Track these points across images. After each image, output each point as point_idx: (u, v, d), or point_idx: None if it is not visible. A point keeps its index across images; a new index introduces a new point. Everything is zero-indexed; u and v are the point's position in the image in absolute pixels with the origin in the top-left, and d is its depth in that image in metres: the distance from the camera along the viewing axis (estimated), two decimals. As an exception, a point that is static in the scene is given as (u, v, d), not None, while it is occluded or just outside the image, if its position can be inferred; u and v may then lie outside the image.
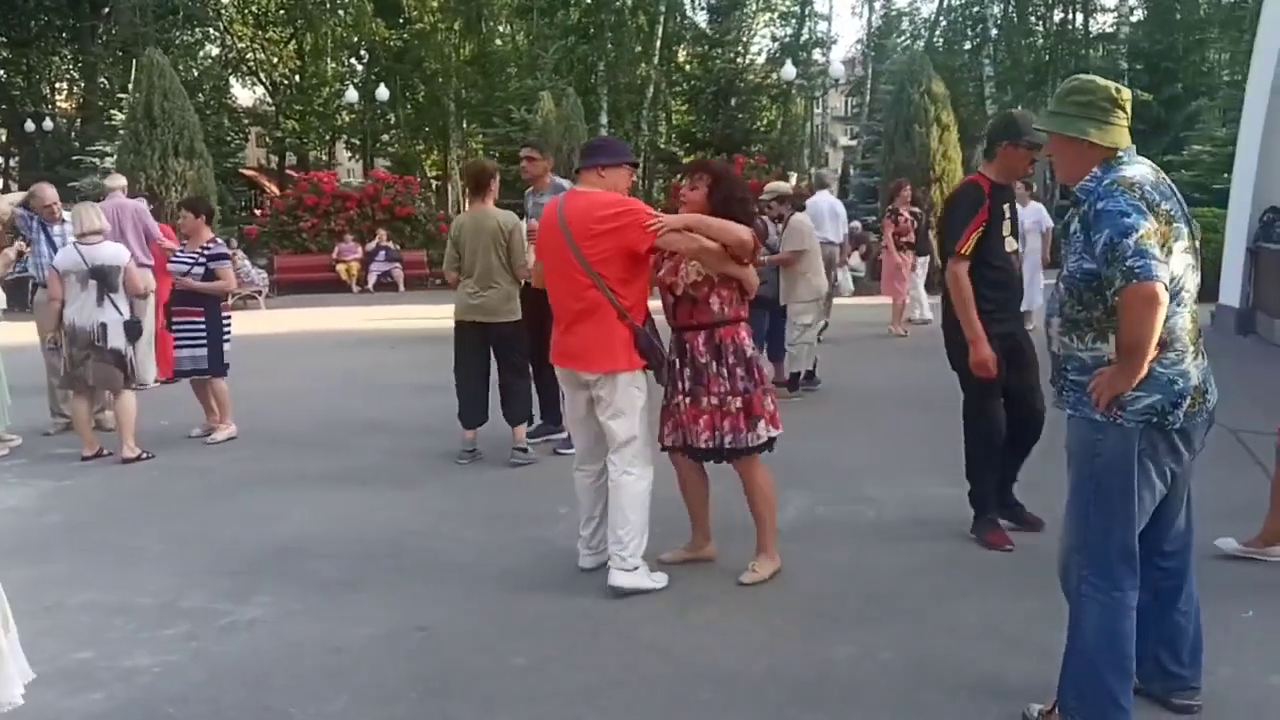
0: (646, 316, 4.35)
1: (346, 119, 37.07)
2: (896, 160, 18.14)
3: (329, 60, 37.52)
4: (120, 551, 5.04)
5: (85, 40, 33.57)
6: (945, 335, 4.86)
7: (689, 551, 4.65)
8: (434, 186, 36.46)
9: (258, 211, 28.05)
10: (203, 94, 32.43)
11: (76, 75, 37.42)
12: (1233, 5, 28.28)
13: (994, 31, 32.63)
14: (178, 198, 15.92)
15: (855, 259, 18.08)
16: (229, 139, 34.93)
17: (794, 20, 34.87)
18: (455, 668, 3.67)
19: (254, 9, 38.69)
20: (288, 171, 37.95)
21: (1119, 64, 27.73)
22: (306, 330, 14.73)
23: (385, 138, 38.77)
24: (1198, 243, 2.98)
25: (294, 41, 38.99)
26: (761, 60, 33.98)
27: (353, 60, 39.02)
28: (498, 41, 34.98)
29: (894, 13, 36.89)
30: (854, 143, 37.02)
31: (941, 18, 35.19)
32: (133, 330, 6.92)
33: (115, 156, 19.46)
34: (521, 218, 6.75)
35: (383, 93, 30.34)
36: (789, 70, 28.17)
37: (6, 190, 21.51)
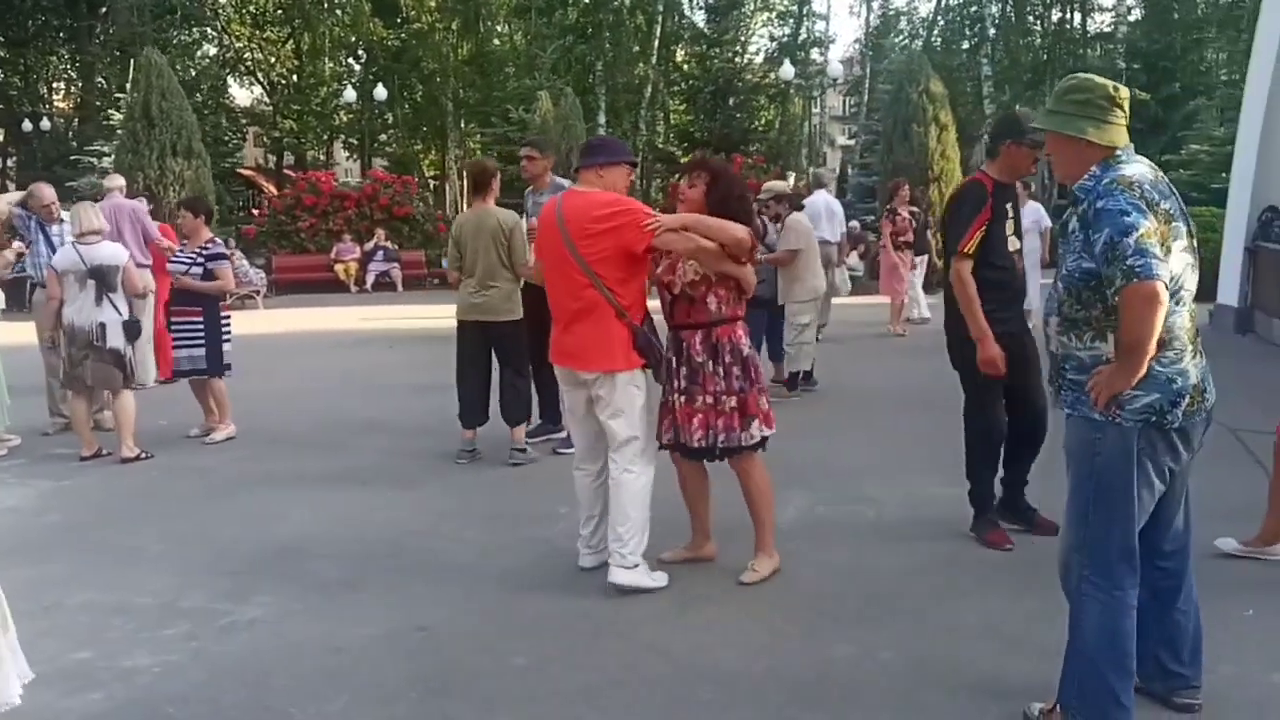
0: (645, 315, 4.35)
1: (344, 119, 37.08)
2: (895, 160, 18.14)
3: (327, 60, 37.54)
4: (119, 551, 5.04)
5: (83, 40, 33.54)
6: (948, 334, 4.85)
7: (689, 551, 4.65)
8: (432, 186, 36.42)
9: (255, 211, 28.03)
10: (200, 94, 32.44)
11: (74, 75, 37.43)
12: (1230, 5, 28.32)
13: (992, 31, 32.65)
14: (176, 198, 15.94)
15: (854, 258, 18.09)
16: (226, 139, 34.94)
17: (792, 20, 34.92)
18: (455, 668, 3.67)
19: (251, 9, 38.67)
20: (285, 171, 37.95)
21: (1117, 63, 27.75)
22: (304, 330, 14.72)
23: (383, 137, 38.74)
24: (1195, 242, 2.98)
25: (291, 41, 38.97)
26: (759, 60, 33.99)
27: (350, 60, 39.02)
28: (495, 41, 34.95)
29: (892, 12, 36.98)
30: (852, 142, 37.05)
31: (939, 17, 35.22)
32: (131, 330, 6.91)
33: (113, 156, 19.45)
34: (521, 216, 6.75)
35: (380, 92, 30.32)
36: (787, 70, 28.19)
37: (4, 190, 21.48)
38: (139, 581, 4.57)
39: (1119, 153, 2.92)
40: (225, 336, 7.40)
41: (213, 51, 39.49)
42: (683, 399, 4.32)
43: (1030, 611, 3.92)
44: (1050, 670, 3.14)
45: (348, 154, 42.80)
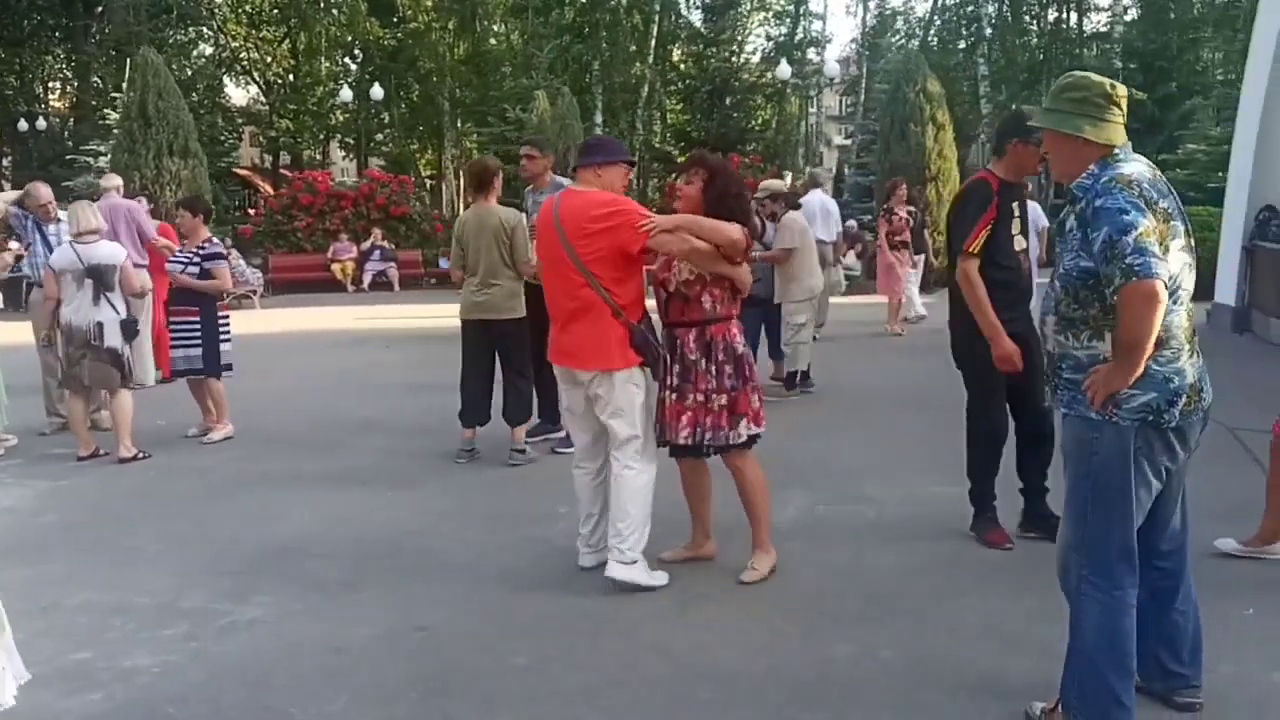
0: (643, 314, 4.35)
1: (340, 118, 37.03)
2: (892, 159, 18.14)
3: (323, 59, 37.48)
4: (118, 552, 5.03)
5: (78, 39, 33.45)
6: (951, 333, 4.84)
7: (689, 550, 4.65)
8: (428, 186, 36.41)
9: (252, 211, 27.96)
10: (196, 93, 32.35)
11: (69, 74, 37.32)
12: (1226, 4, 28.33)
13: (988, 31, 32.69)
14: (172, 197, 15.94)
15: (851, 258, 18.10)
16: (223, 138, 34.88)
17: (789, 19, 34.87)
18: (455, 668, 3.67)
19: (248, 8, 38.57)
20: (282, 171, 37.90)
21: (1113, 63, 27.81)
22: (301, 330, 14.70)
23: (379, 137, 38.69)
24: (1192, 241, 2.98)
25: (288, 41, 38.89)
26: (756, 59, 33.94)
27: (347, 59, 38.94)
28: (492, 41, 34.89)
29: (888, 12, 36.97)
30: (848, 142, 37.03)
31: (936, 17, 35.26)
32: (129, 329, 6.89)
33: (109, 156, 19.42)
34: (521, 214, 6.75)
35: (377, 92, 30.27)
36: (784, 69, 28.22)
37: (0, 190, 21.44)
38: (138, 581, 4.56)
39: (1117, 151, 2.92)
40: (224, 336, 7.39)
41: (209, 51, 39.41)
42: (674, 396, 4.32)
43: (1030, 611, 3.92)
44: (1050, 669, 3.14)
45: (344, 153, 42.76)
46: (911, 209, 13.08)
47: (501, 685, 3.52)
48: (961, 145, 20.97)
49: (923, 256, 13.39)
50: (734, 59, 31.77)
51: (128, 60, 20.20)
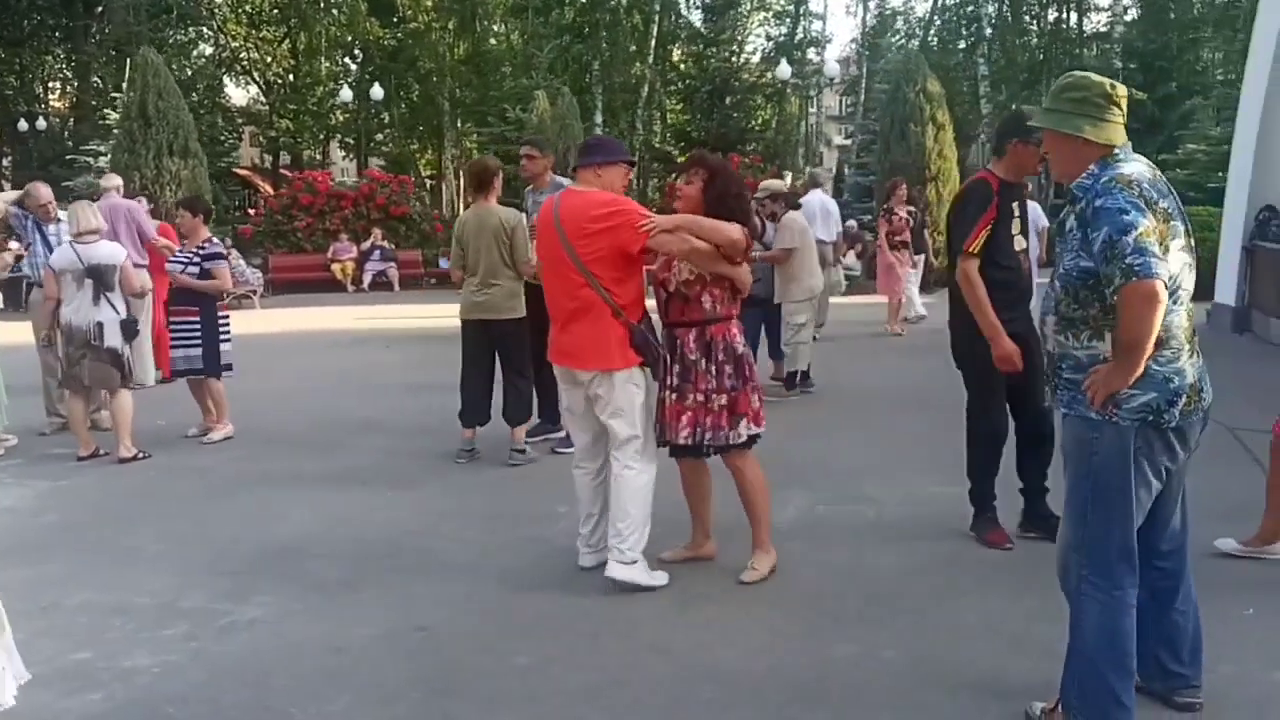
0: (644, 314, 4.35)
1: (340, 118, 37.02)
2: (892, 159, 18.14)
3: (323, 59, 37.47)
4: (118, 552, 5.03)
5: (78, 39, 33.45)
6: (952, 333, 4.84)
7: (689, 550, 4.65)
8: (428, 186, 36.41)
9: (252, 211, 27.94)
10: (196, 93, 32.35)
11: (69, 74, 37.31)
12: (1226, 4, 28.34)
13: (988, 31, 32.68)
14: (172, 197, 15.93)
15: (851, 258, 18.10)
16: (223, 138, 34.87)
17: (789, 19, 34.88)
18: (456, 668, 3.67)
19: (248, 8, 38.57)
20: (281, 171, 37.90)
21: (1113, 63, 27.81)
22: (301, 330, 14.70)
23: (379, 137, 38.69)
24: (1192, 241, 2.98)
25: (288, 41, 38.89)
26: (756, 59, 33.95)
27: (347, 60, 38.94)
28: (492, 41, 34.89)
29: (888, 12, 36.97)
30: (848, 142, 37.04)
31: (936, 17, 35.26)
32: (129, 329, 6.89)
33: (109, 156, 19.41)
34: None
35: (377, 92, 30.27)
36: (784, 69, 28.22)
37: (0, 190, 21.44)
38: (137, 581, 4.56)
39: (1117, 151, 2.91)
40: (224, 336, 7.38)
41: (209, 51, 39.41)
42: (673, 396, 4.32)
43: (1031, 610, 3.92)
44: (1050, 669, 3.14)
45: (344, 154, 42.76)
46: (912, 209, 13.08)
47: (502, 685, 3.52)
48: (961, 145, 20.97)
49: (923, 256, 13.38)
50: (734, 59, 31.77)
51: (128, 60, 20.20)
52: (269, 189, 33.37)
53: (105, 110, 25.26)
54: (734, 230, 4.20)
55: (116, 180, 9.76)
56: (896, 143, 18.36)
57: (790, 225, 8.29)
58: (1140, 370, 2.78)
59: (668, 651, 3.75)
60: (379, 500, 5.82)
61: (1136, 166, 2.91)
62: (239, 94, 42.09)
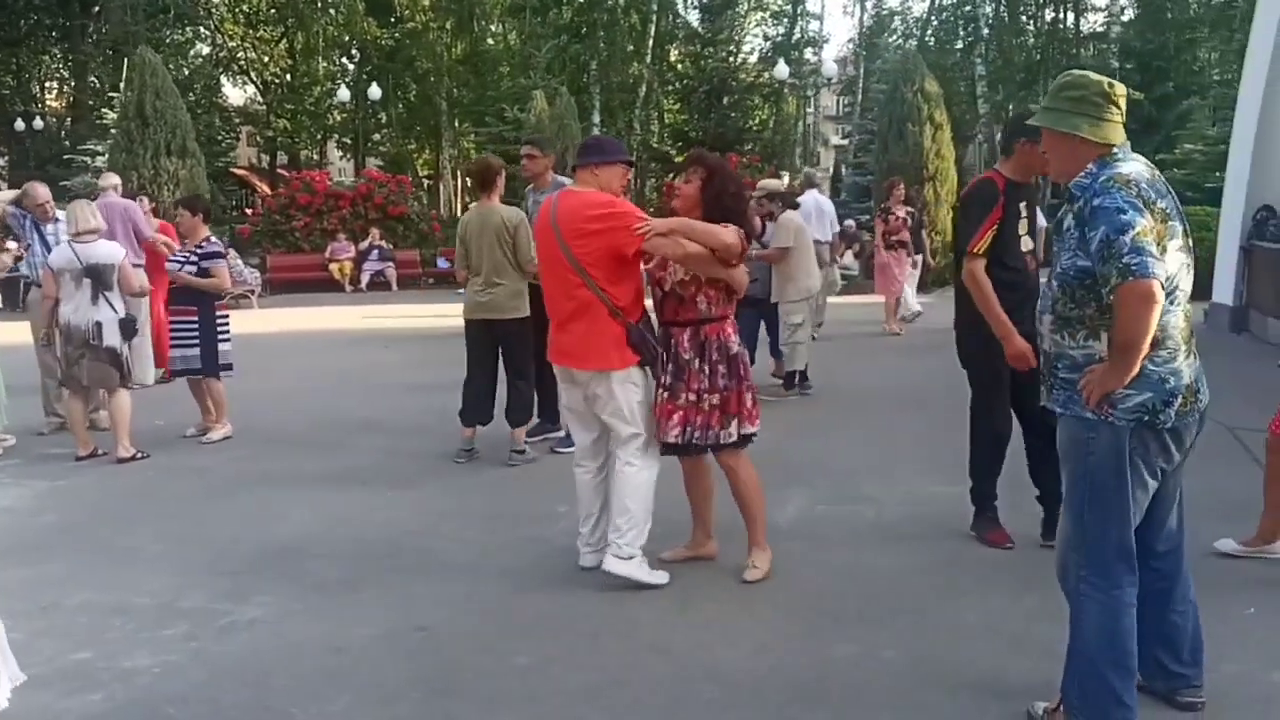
0: (643, 313, 4.35)
1: (338, 118, 36.99)
2: (890, 159, 18.14)
3: (320, 59, 37.39)
4: (117, 552, 5.02)
5: (75, 39, 33.40)
6: (957, 332, 4.83)
7: (690, 549, 4.65)
8: (426, 186, 36.38)
9: (250, 211, 27.91)
10: (194, 93, 32.28)
11: (67, 74, 37.25)
12: (1223, 4, 28.34)
13: (985, 31, 32.68)
14: (170, 197, 15.90)
15: (849, 258, 18.11)
16: (220, 138, 34.81)
17: (786, 19, 34.85)
18: (457, 668, 3.66)
19: (245, 8, 38.53)
20: (279, 171, 37.86)
21: (1110, 63, 27.82)
22: (300, 330, 14.69)
23: (377, 137, 38.67)
24: (1190, 241, 2.98)
25: (285, 40, 38.85)
26: (754, 59, 33.96)
27: (344, 59, 38.89)
28: (490, 41, 34.87)
29: (886, 12, 36.98)
30: (846, 142, 37.05)
31: (933, 17, 35.26)
32: (128, 329, 6.88)
33: (107, 156, 19.39)
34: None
35: (374, 92, 30.25)
36: (781, 69, 28.21)
37: (-3, 189, 21.40)
38: (137, 582, 4.56)
39: (1115, 150, 2.91)
40: (223, 336, 7.37)
41: (206, 51, 39.31)
42: (665, 395, 4.32)
43: (1031, 610, 3.93)
44: (1051, 669, 3.14)
45: (341, 153, 42.69)
46: (910, 209, 13.08)
47: (503, 685, 3.52)
48: (959, 145, 20.96)
49: (920, 256, 13.39)
50: (731, 59, 31.78)
51: (125, 60, 20.16)
52: (266, 189, 33.35)
53: (102, 110, 25.20)
54: (728, 235, 4.19)
55: (115, 179, 9.75)
56: (894, 142, 18.36)
57: (786, 225, 8.29)
58: (1136, 370, 2.78)
59: (668, 651, 3.75)
60: (379, 500, 5.81)
61: (1135, 166, 2.91)
62: (236, 94, 42.12)
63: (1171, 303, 2.82)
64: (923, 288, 14.01)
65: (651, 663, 3.66)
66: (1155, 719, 3.11)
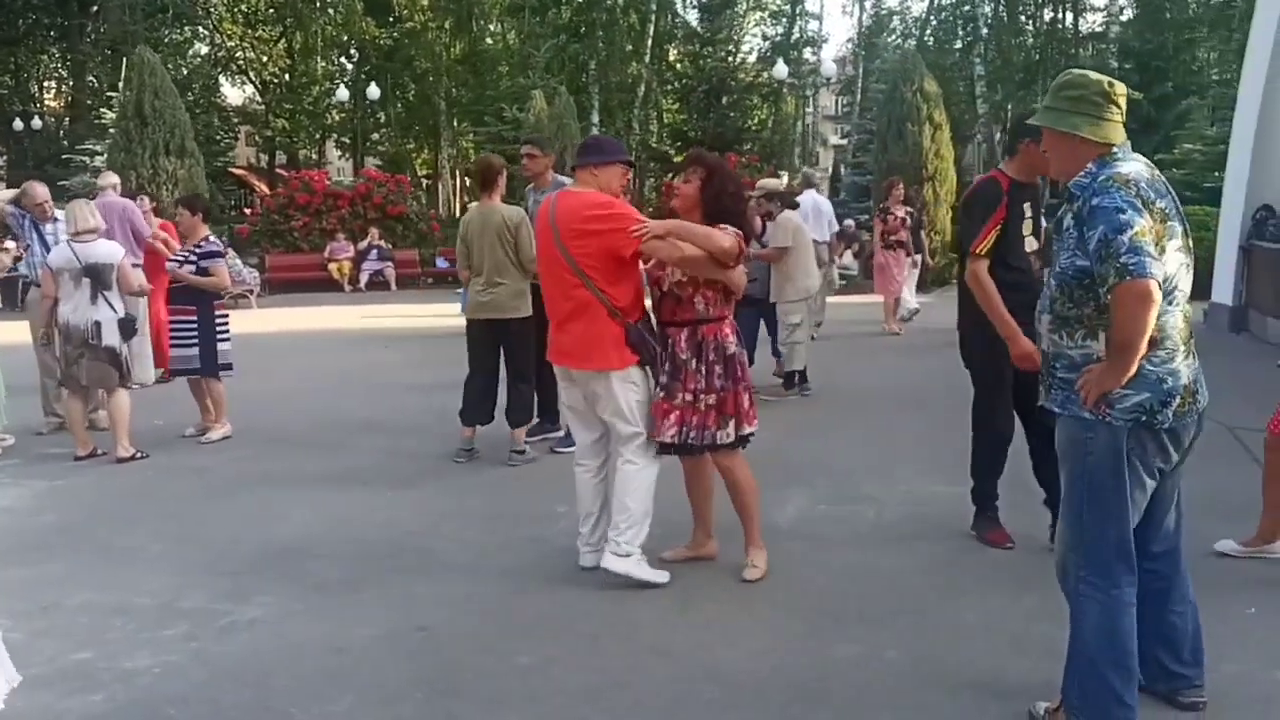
0: (642, 313, 4.35)
1: (336, 118, 36.99)
2: (889, 159, 18.14)
3: (319, 59, 37.42)
4: (117, 552, 5.01)
5: (74, 38, 33.40)
6: (960, 332, 4.82)
7: (690, 549, 4.65)
8: (425, 185, 36.39)
9: (248, 211, 27.90)
10: (192, 93, 32.28)
11: (65, 74, 37.25)
12: (1222, 4, 28.34)
13: (984, 30, 32.68)
14: (169, 196, 15.90)
15: (848, 258, 18.10)
16: (219, 138, 34.82)
17: (785, 19, 34.86)
18: (458, 668, 3.66)
19: (243, 8, 38.54)
20: (278, 170, 37.87)
21: (1109, 63, 27.82)
22: (299, 330, 14.68)
23: (375, 136, 38.68)
24: (1190, 241, 2.97)
25: (284, 40, 38.87)
26: (753, 59, 33.96)
27: (343, 59, 38.91)
28: (489, 40, 34.87)
29: (884, 12, 36.97)
30: (845, 141, 37.05)
31: (932, 16, 35.24)
32: (127, 328, 6.88)
33: (106, 155, 19.39)
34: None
35: (373, 91, 30.25)
36: (780, 69, 28.22)
37: (-4, 189, 21.36)
38: (137, 582, 4.55)
39: (1115, 150, 2.91)
40: (223, 336, 7.36)
41: (204, 50, 39.32)
42: (661, 394, 4.32)
43: (1031, 610, 3.93)
44: (1051, 668, 3.14)
45: (340, 153, 42.71)
46: (909, 209, 13.08)
47: (504, 685, 3.52)
48: (958, 145, 20.95)
49: (919, 256, 13.39)
50: (730, 59, 31.79)
51: (123, 59, 20.17)
52: (265, 188, 33.35)
53: (101, 110, 25.21)
54: (725, 238, 4.18)
55: (114, 179, 9.75)
56: (893, 142, 18.37)
57: (784, 224, 8.29)
58: (1133, 370, 2.78)
59: (669, 652, 3.75)
60: (379, 500, 5.81)
61: (1134, 165, 2.91)
62: (235, 93, 42.15)
63: (1170, 303, 2.82)
64: (922, 287, 14.02)
65: (652, 663, 3.66)
66: (1156, 719, 3.11)
